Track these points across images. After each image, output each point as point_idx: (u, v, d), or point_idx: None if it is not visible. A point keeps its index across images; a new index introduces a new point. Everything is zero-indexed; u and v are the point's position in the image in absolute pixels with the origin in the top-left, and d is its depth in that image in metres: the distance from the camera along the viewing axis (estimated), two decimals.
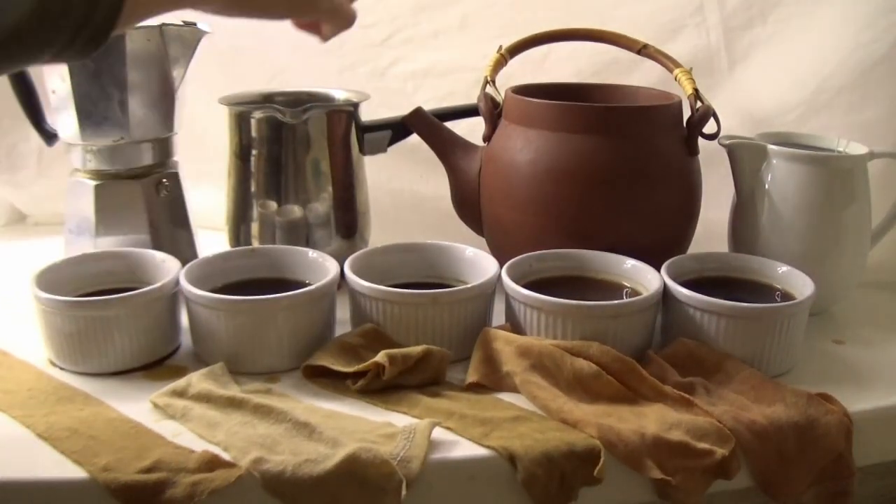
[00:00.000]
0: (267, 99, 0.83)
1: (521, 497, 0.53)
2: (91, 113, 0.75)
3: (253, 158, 0.78)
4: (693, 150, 0.74)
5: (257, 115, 0.77)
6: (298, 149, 0.77)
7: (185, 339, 0.68)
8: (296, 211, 0.78)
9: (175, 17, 0.73)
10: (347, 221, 0.81)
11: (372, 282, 0.66)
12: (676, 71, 0.77)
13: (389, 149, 0.84)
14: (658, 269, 0.68)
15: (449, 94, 0.92)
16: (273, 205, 0.78)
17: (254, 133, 0.78)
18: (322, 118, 0.77)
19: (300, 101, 0.79)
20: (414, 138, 0.81)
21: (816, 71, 0.86)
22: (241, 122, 0.78)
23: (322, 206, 0.79)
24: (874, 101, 0.84)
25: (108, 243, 0.77)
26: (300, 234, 0.79)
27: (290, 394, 0.61)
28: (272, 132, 0.77)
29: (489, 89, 0.78)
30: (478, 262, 0.71)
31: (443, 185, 0.81)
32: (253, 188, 0.79)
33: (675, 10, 0.90)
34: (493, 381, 0.62)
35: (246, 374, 0.63)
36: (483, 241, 0.80)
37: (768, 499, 0.57)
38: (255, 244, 0.79)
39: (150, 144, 0.78)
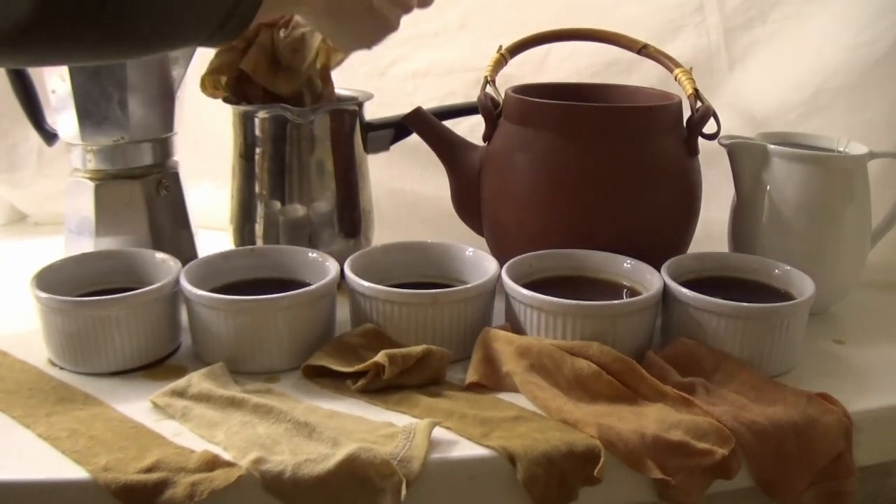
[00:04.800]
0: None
1: (521, 497, 0.53)
2: (91, 113, 0.75)
3: (257, 158, 0.78)
4: (693, 150, 0.74)
5: (262, 114, 0.77)
6: (303, 148, 0.77)
7: (185, 339, 0.68)
8: (300, 210, 0.78)
9: None
10: (351, 220, 0.81)
11: (372, 282, 0.66)
12: (676, 71, 0.77)
13: (390, 148, 0.84)
14: (658, 269, 0.68)
15: (449, 94, 0.92)
16: (277, 204, 0.78)
17: (258, 132, 0.78)
18: (326, 117, 0.77)
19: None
20: (414, 137, 0.81)
21: (816, 71, 0.86)
22: (245, 121, 0.78)
23: (326, 205, 0.79)
24: (874, 101, 0.84)
25: (108, 243, 0.77)
26: (304, 233, 0.79)
27: (290, 394, 0.61)
28: (277, 131, 0.77)
29: (489, 89, 0.78)
30: (478, 262, 0.71)
31: (443, 184, 0.81)
32: (257, 188, 0.79)
33: (675, 10, 0.90)
34: (493, 381, 0.62)
35: (246, 374, 0.63)
36: (483, 241, 0.80)
37: (768, 499, 0.57)
38: (260, 244, 0.79)
39: (150, 144, 0.78)
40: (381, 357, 0.60)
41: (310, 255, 0.72)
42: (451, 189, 0.80)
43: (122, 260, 0.71)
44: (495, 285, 0.68)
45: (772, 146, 0.74)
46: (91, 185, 0.77)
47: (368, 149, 0.82)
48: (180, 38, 0.54)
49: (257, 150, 0.78)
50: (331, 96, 0.80)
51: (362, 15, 0.63)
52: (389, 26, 0.66)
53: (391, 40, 0.94)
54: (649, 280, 0.67)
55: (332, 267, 0.68)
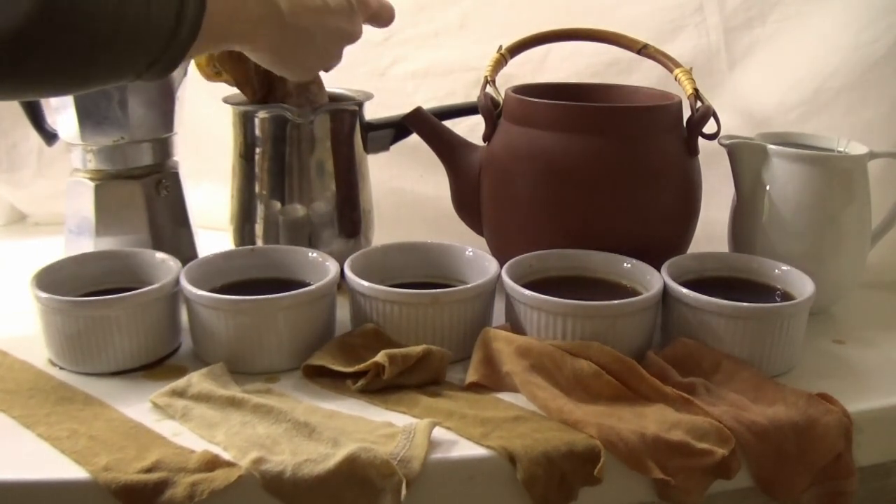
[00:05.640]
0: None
1: (521, 497, 0.53)
2: (91, 113, 0.75)
3: (257, 158, 0.78)
4: (693, 150, 0.74)
5: (262, 114, 0.77)
6: (303, 148, 0.77)
7: (185, 339, 0.68)
8: (300, 210, 0.78)
9: None
10: (351, 220, 0.81)
11: (372, 282, 0.66)
12: (676, 71, 0.77)
13: (390, 148, 0.84)
14: (658, 269, 0.68)
15: (449, 94, 0.92)
16: (277, 204, 0.78)
17: (258, 132, 0.78)
18: (326, 117, 0.77)
19: None
20: (414, 137, 0.81)
21: (816, 71, 0.86)
22: (245, 121, 0.78)
23: (326, 205, 0.79)
24: (874, 101, 0.84)
25: (108, 243, 0.77)
26: (304, 233, 0.79)
27: (290, 394, 0.61)
28: (277, 131, 0.77)
29: (489, 89, 0.78)
30: (478, 262, 0.71)
31: (443, 185, 0.81)
32: (257, 188, 0.79)
33: (675, 10, 0.90)
34: (493, 381, 0.62)
35: (246, 374, 0.63)
36: (483, 241, 0.80)
37: (768, 499, 0.57)
38: (260, 244, 0.79)
39: (150, 144, 0.78)
40: (381, 357, 0.60)
41: (310, 255, 0.72)
42: (451, 189, 0.80)
43: (122, 260, 0.71)
44: (495, 285, 0.68)
45: (772, 146, 0.74)
46: (91, 185, 0.77)
47: (368, 149, 0.82)
48: (106, 78, 0.53)
49: (257, 150, 0.78)
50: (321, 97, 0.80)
51: (305, 50, 0.63)
52: (333, 58, 0.67)
53: (391, 40, 0.94)
54: (649, 280, 0.67)
55: (332, 267, 0.68)
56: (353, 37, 0.67)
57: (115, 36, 0.50)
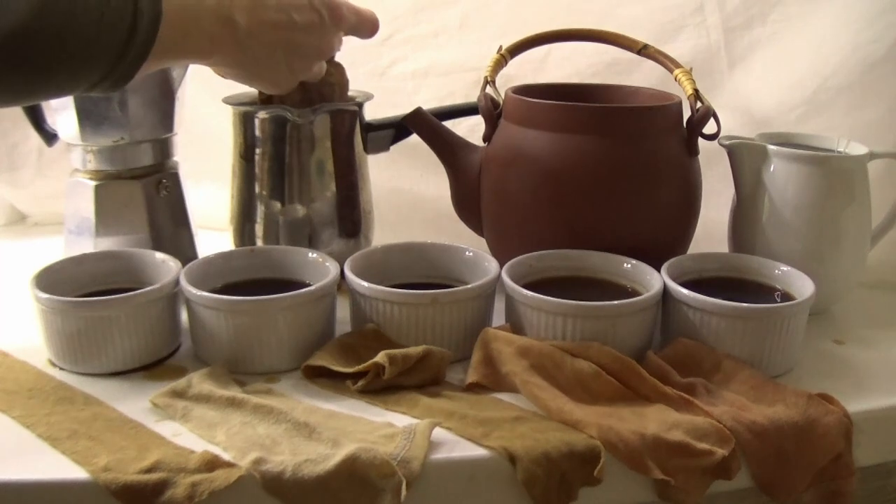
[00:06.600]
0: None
1: (521, 497, 0.53)
2: (91, 113, 0.75)
3: (257, 158, 0.78)
4: (693, 151, 0.74)
5: (262, 115, 0.77)
6: (303, 148, 0.77)
7: (185, 339, 0.68)
8: (300, 210, 0.78)
9: None
10: (351, 220, 0.81)
11: (372, 282, 0.66)
12: (676, 71, 0.77)
13: (390, 149, 0.84)
14: (658, 269, 0.68)
15: (449, 94, 0.92)
16: (277, 204, 0.78)
17: (258, 133, 0.78)
18: (326, 117, 0.77)
19: None
20: (414, 138, 0.81)
21: (816, 71, 0.86)
22: (245, 121, 0.78)
23: (326, 205, 0.79)
24: (874, 101, 0.84)
25: (108, 243, 0.77)
26: (304, 233, 0.79)
27: (290, 394, 0.61)
28: (277, 132, 0.77)
29: (489, 89, 0.78)
30: (478, 262, 0.71)
31: (443, 185, 0.81)
32: (258, 188, 0.79)
33: (675, 10, 0.90)
34: (493, 381, 0.62)
35: (246, 374, 0.63)
36: (483, 241, 0.80)
37: (768, 499, 0.57)
38: (260, 244, 0.79)
39: (150, 145, 0.78)
40: (381, 357, 0.60)
41: (310, 255, 0.72)
42: (451, 189, 0.80)
43: (122, 260, 0.71)
44: (495, 286, 0.68)
45: (772, 146, 0.74)
46: (91, 185, 0.77)
47: (368, 149, 0.82)
48: (51, 94, 0.54)
49: (257, 151, 0.78)
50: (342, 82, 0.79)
51: (267, 65, 0.63)
52: (304, 73, 0.67)
53: (391, 40, 0.94)
54: (649, 280, 0.67)
55: (332, 267, 0.68)
56: (324, 53, 0.67)
57: (63, 53, 0.49)
